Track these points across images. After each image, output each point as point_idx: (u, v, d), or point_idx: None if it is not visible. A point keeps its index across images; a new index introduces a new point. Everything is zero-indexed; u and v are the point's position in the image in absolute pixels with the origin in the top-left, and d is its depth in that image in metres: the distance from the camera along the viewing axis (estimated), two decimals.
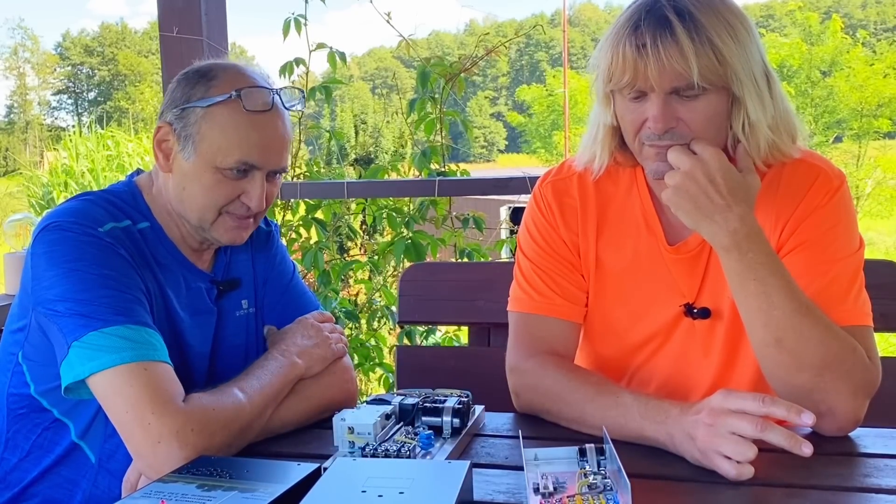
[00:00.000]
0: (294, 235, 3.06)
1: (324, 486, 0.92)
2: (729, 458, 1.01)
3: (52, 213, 1.25)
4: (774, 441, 1.00)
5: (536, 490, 0.94)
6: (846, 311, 1.21)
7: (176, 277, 1.32)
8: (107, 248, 1.21)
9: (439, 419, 1.17)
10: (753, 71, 1.19)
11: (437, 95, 2.96)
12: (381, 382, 3.11)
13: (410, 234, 2.90)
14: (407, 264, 2.75)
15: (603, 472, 0.98)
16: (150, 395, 1.11)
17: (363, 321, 3.24)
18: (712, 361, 1.34)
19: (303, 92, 1.38)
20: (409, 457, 1.06)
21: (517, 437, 1.16)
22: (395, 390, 1.40)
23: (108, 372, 1.12)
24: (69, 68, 72.14)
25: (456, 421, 1.16)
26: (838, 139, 17.25)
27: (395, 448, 1.07)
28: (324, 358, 1.35)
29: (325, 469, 0.98)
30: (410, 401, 1.18)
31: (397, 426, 1.15)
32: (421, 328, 3.08)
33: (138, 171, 1.41)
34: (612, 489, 0.93)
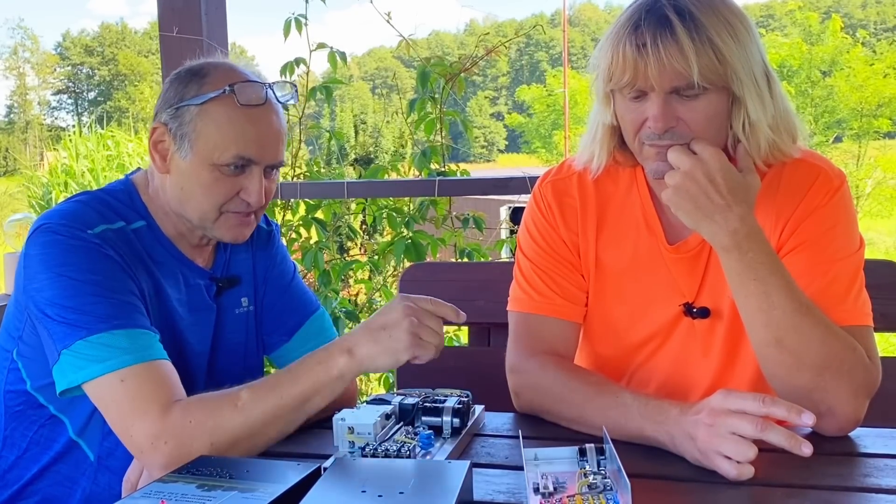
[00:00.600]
0: (294, 235, 3.06)
1: (324, 486, 0.92)
2: (729, 458, 1.01)
3: (45, 214, 1.26)
4: (774, 441, 1.00)
5: (536, 490, 0.94)
6: (846, 311, 1.21)
7: (174, 275, 1.32)
8: (95, 252, 1.21)
9: (439, 419, 1.17)
10: (753, 70, 1.19)
11: (437, 95, 2.95)
12: (381, 382, 3.11)
13: (410, 234, 2.90)
14: (407, 264, 2.75)
15: (603, 472, 0.98)
16: (130, 405, 1.13)
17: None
18: (712, 361, 1.34)
19: (294, 86, 1.38)
20: (409, 457, 1.06)
21: (517, 437, 1.16)
22: (394, 390, 1.39)
23: (94, 382, 1.15)
24: (69, 68, 72.23)
25: (456, 421, 1.16)
26: (838, 139, 17.27)
27: (395, 448, 1.07)
28: (394, 351, 1.14)
29: (325, 469, 0.98)
30: (410, 401, 1.18)
31: (397, 426, 1.15)
32: None
33: (138, 171, 1.41)
34: (612, 489, 0.93)
